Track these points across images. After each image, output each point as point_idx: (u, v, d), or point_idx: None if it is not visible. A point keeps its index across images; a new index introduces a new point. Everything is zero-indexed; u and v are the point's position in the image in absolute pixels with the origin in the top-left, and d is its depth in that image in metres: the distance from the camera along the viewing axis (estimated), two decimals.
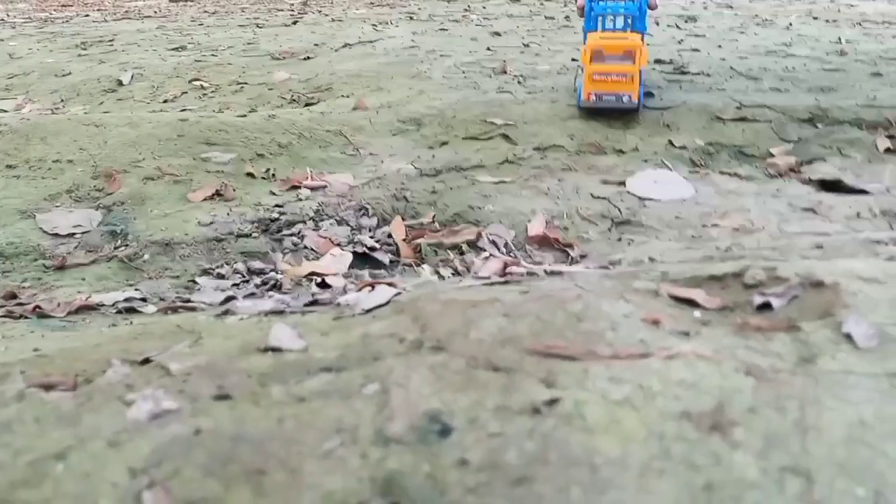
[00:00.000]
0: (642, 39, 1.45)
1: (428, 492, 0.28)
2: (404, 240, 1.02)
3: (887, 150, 1.32)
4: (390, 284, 0.64)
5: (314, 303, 0.62)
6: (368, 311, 0.52)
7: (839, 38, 2.54)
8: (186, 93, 1.90)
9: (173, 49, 2.45)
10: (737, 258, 0.57)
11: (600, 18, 1.44)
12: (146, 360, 0.44)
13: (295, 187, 1.21)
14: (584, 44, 1.44)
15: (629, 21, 1.42)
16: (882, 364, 0.38)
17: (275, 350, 0.43)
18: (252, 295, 0.72)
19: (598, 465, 0.29)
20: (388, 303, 0.52)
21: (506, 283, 0.57)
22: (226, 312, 0.60)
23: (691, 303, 0.49)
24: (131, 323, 0.62)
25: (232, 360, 0.42)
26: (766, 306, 0.47)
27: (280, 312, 0.57)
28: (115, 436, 0.33)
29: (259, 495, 0.28)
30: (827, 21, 3.12)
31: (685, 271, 0.55)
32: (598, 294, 0.47)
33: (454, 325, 0.42)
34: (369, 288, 0.61)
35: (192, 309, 0.68)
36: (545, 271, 0.78)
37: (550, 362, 0.36)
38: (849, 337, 0.41)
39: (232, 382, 0.38)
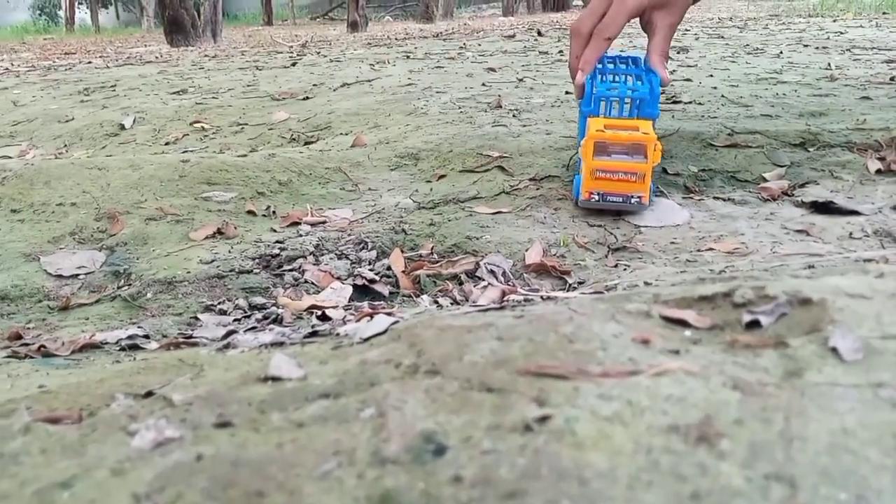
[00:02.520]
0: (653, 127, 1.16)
1: None
2: (403, 271, 1.03)
3: (878, 172, 1.34)
4: (388, 314, 0.65)
5: (314, 334, 0.63)
6: (366, 339, 0.53)
7: (829, 64, 2.58)
8: (188, 135, 1.93)
9: (174, 93, 2.49)
10: (728, 279, 0.58)
11: (603, 102, 1.13)
12: (149, 393, 0.45)
13: (295, 223, 1.22)
14: (583, 131, 1.18)
15: (638, 105, 1.12)
16: (866, 375, 0.38)
17: (274, 379, 0.44)
18: (253, 329, 0.73)
19: (588, 479, 0.29)
20: (385, 331, 0.53)
21: (501, 308, 0.58)
22: (227, 346, 0.61)
23: (682, 322, 0.50)
24: (134, 359, 0.63)
25: (232, 390, 0.43)
26: (754, 324, 0.48)
27: (280, 344, 0.58)
28: (119, 464, 0.34)
29: None
30: (817, 48, 3.17)
31: (676, 293, 0.56)
32: (590, 316, 0.48)
33: (449, 350, 0.43)
34: (368, 318, 0.62)
35: (194, 344, 0.69)
36: (541, 297, 0.79)
37: (542, 381, 0.37)
38: (835, 351, 0.42)
39: (232, 410, 0.39)
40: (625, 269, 0.99)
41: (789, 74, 2.38)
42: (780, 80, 2.24)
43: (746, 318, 0.49)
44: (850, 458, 0.30)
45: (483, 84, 2.27)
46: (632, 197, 1.11)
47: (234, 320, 0.82)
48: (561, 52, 3.41)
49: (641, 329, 0.47)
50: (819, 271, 0.69)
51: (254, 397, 0.41)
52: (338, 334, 0.59)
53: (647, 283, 0.86)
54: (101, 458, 0.35)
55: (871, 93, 1.93)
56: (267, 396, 0.41)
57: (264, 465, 0.32)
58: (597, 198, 1.11)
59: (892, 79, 2.17)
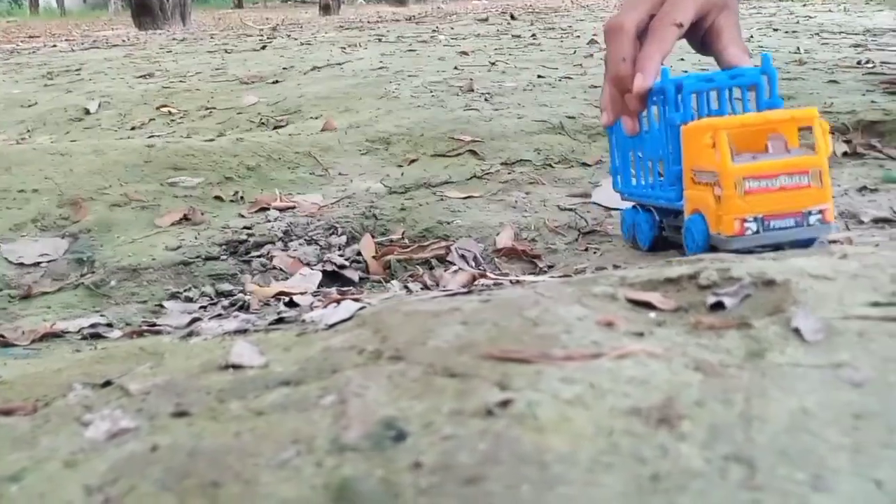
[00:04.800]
0: None
1: (381, 495, 0.28)
2: (374, 257, 1.03)
3: (844, 154, 1.35)
4: (356, 300, 0.64)
5: (280, 321, 0.63)
6: (332, 325, 0.52)
7: (797, 48, 2.61)
8: (154, 119, 1.90)
9: (141, 76, 2.45)
10: (694, 261, 0.58)
11: (695, 98, 0.78)
12: (107, 383, 0.44)
13: (263, 209, 1.21)
14: (624, 157, 0.89)
15: (750, 97, 0.77)
16: (827, 356, 0.39)
17: (235, 367, 0.44)
18: (218, 316, 0.72)
19: (548, 462, 0.29)
20: (351, 317, 0.53)
21: (469, 293, 0.58)
22: (190, 334, 0.60)
23: (647, 305, 0.50)
24: (95, 348, 0.62)
25: (192, 379, 0.42)
26: (718, 305, 0.49)
27: (244, 331, 0.57)
28: (72, 456, 0.33)
29: None
30: (786, 32, 3.20)
31: (643, 275, 0.56)
32: (556, 300, 0.48)
33: (413, 335, 0.42)
34: (335, 304, 0.62)
35: (158, 332, 0.68)
36: (510, 281, 0.79)
37: (505, 366, 0.37)
38: (797, 331, 0.42)
39: (190, 399, 0.38)
40: (594, 253, 0.99)
41: (759, 58, 2.40)
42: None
43: (711, 299, 0.49)
44: (808, 438, 0.31)
45: (455, 68, 2.26)
46: (809, 214, 0.67)
47: (200, 308, 0.81)
48: (534, 35, 3.40)
49: (606, 312, 0.47)
50: (785, 253, 0.70)
51: (213, 386, 0.40)
52: (304, 321, 0.58)
53: (616, 266, 0.87)
54: (53, 450, 0.34)
55: (839, 76, 1.95)
56: (227, 385, 0.40)
57: (221, 454, 0.32)
58: (754, 228, 0.66)
59: (858, 63, 2.19)
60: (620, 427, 0.32)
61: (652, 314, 0.48)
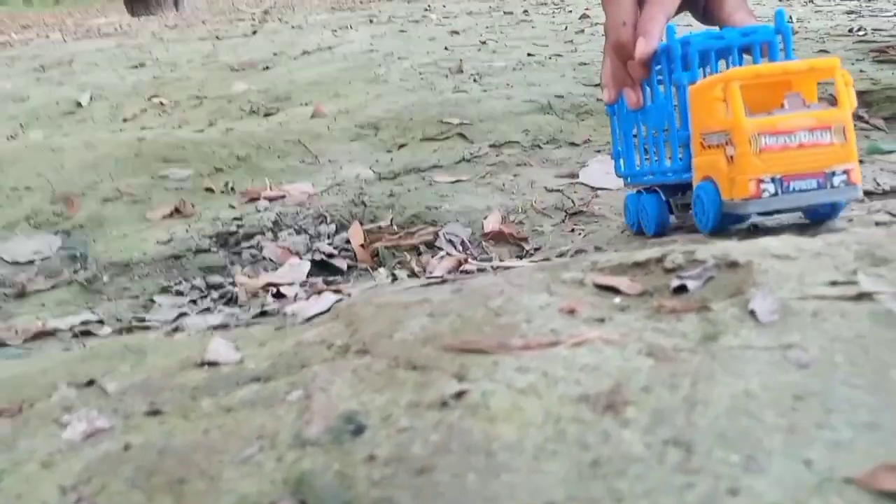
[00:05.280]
0: None
1: (335, 488, 0.29)
2: (362, 245, 1.04)
3: None
4: (336, 291, 0.66)
5: (263, 314, 0.64)
6: (309, 319, 0.54)
7: (790, 17, 2.59)
8: (146, 110, 1.90)
9: (132, 67, 2.45)
10: (665, 244, 0.60)
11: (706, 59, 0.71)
12: (90, 383, 0.46)
13: (254, 199, 1.22)
14: (627, 134, 0.83)
15: (774, 55, 0.70)
16: (779, 337, 0.40)
17: (211, 364, 0.45)
18: (206, 310, 0.74)
19: (496, 451, 0.31)
20: (328, 310, 0.54)
21: (443, 282, 0.59)
22: (175, 329, 0.62)
23: (614, 290, 0.51)
24: (84, 346, 0.63)
25: (168, 377, 0.44)
26: (682, 288, 0.50)
27: (226, 326, 0.58)
28: (49, 457, 0.35)
29: (179, 502, 0.30)
30: (780, 0, 3.17)
31: (614, 259, 0.57)
32: (523, 287, 0.49)
33: (381, 328, 0.44)
34: (317, 296, 0.63)
35: (146, 328, 0.70)
36: (492, 267, 0.80)
37: (464, 357, 0.38)
38: (753, 313, 0.43)
39: (164, 398, 0.40)
40: (579, 234, 1.00)
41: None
42: None
43: (674, 283, 0.50)
44: (747, 421, 0.32)
45: (445, 48, 2.25)
46: (833, 175, 0.61)
47: (190, 301, 0.83)
48: (525, 11, 3.38)
49: (572, 298, 0.48)
50: (758, 232, 0.71)
51: (188, 383, 0.42)
52: (284, 314, 0.60)
53: (598, 248, 0.88)
54: (31, 452, 0.36)
55: (829, 46, 1.94)
56: (201, 382, 0.42)
57: (189, 452, 0.33)
58: (772, 189, 0.60)
59: (850, 31, 2.18)
60: (568, 414, 0.33)
61: (617, 299, 0.49)
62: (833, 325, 0.41)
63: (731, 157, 0.62)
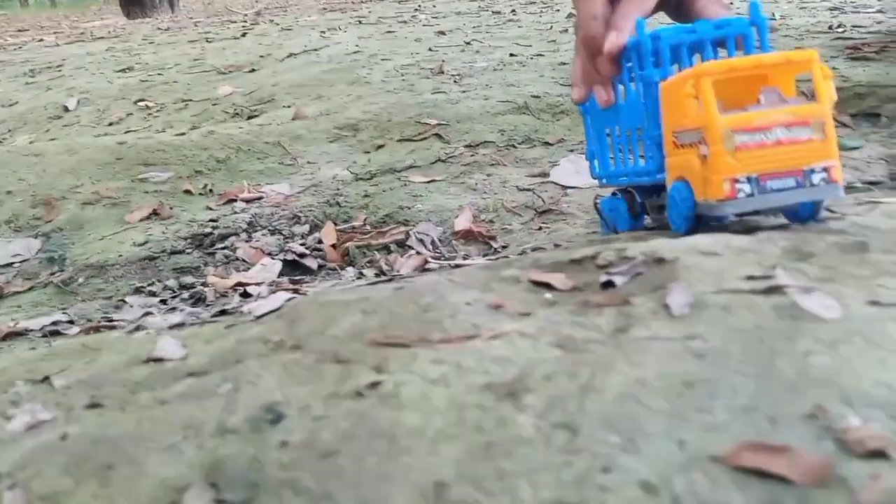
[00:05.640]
0: None
1: (245, 471, 0.32)
2: (333, 245, 1.06)
3: None
4: (294, 290, 0.68)
5: (222, 313, 0.66)
6: (259, 317, 0.56)
7: (772, 14, 2.61)
8: (132, 114, 1.93)
9: (120, 70, 2.47)
10: (605, 241, 0.62)
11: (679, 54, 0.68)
12: (45, 379, 0.48)
13: (231, 201, 1.24)
14: (598, 134, 0.81)
15: (736, 50, 0.68)
16: (685, 329, 0.42)
17: (157, 360, 0.47)
18: (172, 310, 0.76)
19: (398, 436, 0.33)
20: (279, 308, 0.56)
21: (390, 280, 0.62)
22: (137, 329, 0.64)
23: (547, 286, 0.53)
24: (50, 345, 0.65)
25: (115, 372, 0.46)
26: (609, 284, 0.52)
27: (182, 325, 0.61)
28: None
29: (104, 486, 0.33)
30: None
31: (556, 256, 0.59)
32: (460, 285, 0.52)
33: (316, 325, 0.46)
34: (274, 295, 0.65)
35: (112, 327, 0.72)
36: (453, 265, 0.82)
37: (386, 350, 0.41)
38: (667, 307, 0.46)
39: (106, 392, 0.42)
40: (544, 232, 1.03)
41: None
42: None
43: (603, 278, 0.53)
44: (634, 406, 0.34)
45: (430, 49, 2.28)
46: (812, 173, 0.58)
47: (160, 301, 0.85)
48: (514, 10, 3.40)
49: (506, 295, 0.51)
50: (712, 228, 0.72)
51: (131, 378, 0.44)
52: (241, 313, 0.62)
53: (556, 245, 0.90)
54: None
55: (807, 42, 1.96)
56: (144, 377, 0.44)
57: (120, 441, 0.36)
58: (748, 189, 0.58)
59: (830, 27, 2.20)
60: (472, 402, 0.35)
61: (548, 295, 0.52)
62: (738, 317, 0.43)
63: (705, 156, 0.59)
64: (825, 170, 0.59)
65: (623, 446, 0.32)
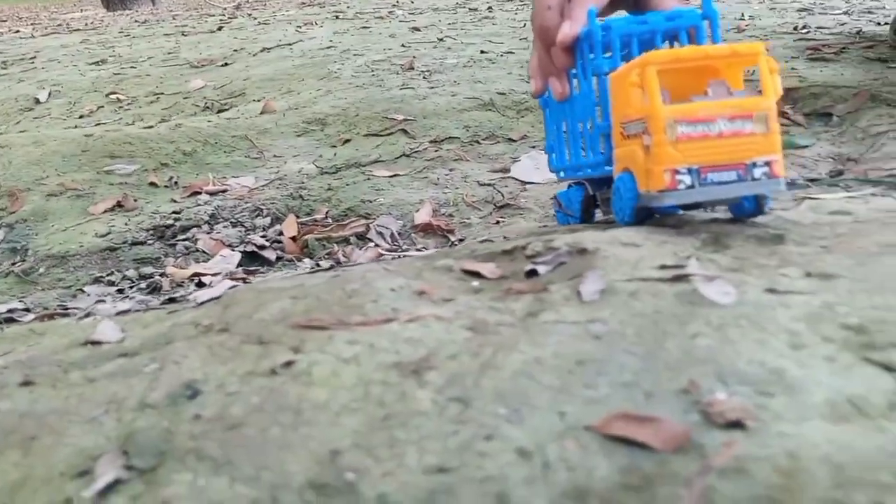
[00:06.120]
0: None
1: (156, 440, 0.34)
2: (293, 237, 1.08)
3: None
4: (243, 280, 0.70)
5: (171, 300, 0.68)
6: (201, 303, 0.58)
7: (742, 15, 2.65)
8: (103, 107, 1.93)
9: (93, 63, 2.47)
10: (539, 234, 0.65)
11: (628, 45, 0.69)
12: None
13: (196, 193, 1.26)
14: (555, 129, 0.80)
15: (688, 42, 0.68)
16: (589, 313, 0.45)
17: (94, 343, 0.49)
18: (126, 298, 0.78)
19: (303, 410, 0.35)
20: (220, 296, 0.58)
21: (329, 269, 0.64)
22: (87, 315, 0.66)
23: (477, 275, 0.56)
24: (1, 331, 0.67)
25: (53, 354, 0.48)
26: (533, 272, 0.55)
27: (127, 311, 0.63)
28: None
29: (26, 455, 0.35)
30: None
31: (491, 247, 0.62)
32: (391, 273, 0.54)
33: (246, 310, 0.49)
34: (219, 284, 0.67)
35: (66, 315, 0.74)
36: (397, 255, 0.85)
37: (306, 333, 0.43)
38: (579, 294, 0.48)
39: (40, 372, 0.44)
40: (498, 225, 1.06)
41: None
42: None
43: (527, 267, 0.55)
44: (526, 382, 0.37)
45: (402, 45, 2.29)
46: (754, 166, 0.58)
47: (117, 290, 0.87)
48: (490, 7, 3.43)
49: (435, 282, 0.53)
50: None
51: (66, 359, 0.46)
52: (187, 300, 0.64)
53: (505, 238, 0.93)
54: None
55: (771, 43, 2.00)
56: (78, 358, 0.46)
57: (46, 415, 0.38)
58: (688, 181, 0.58)
59: (795, 28, 2.24)
60: (378, 379, 0.38)
61: (475, 283, 0.54)
62: (642, 302, 0.46)
63: (648, 146, 0.59)
64: (767, 164, 0.59)
65: (508, 417, 0.34)
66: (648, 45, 0.68)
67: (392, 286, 0.50)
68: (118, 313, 0.63)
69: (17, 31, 4.67)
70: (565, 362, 0.39)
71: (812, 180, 1.03)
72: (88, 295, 0.86)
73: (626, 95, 0.62)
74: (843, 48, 1.83)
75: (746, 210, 0.64)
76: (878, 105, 1.37)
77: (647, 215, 0.63)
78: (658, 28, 0.68)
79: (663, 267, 0.52)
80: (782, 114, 1.44)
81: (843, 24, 2.28)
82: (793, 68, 1.66)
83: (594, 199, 0.77)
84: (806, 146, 1.25)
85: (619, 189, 0.64)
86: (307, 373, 0.39)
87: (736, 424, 0.32)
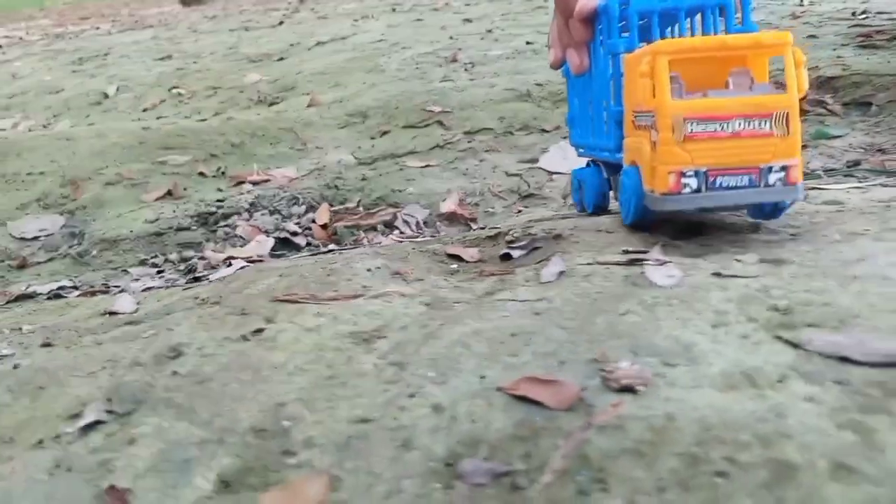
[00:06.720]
0: None
1: (135, 391, 0.40)
2: (323, 225, 1.15)
3: None
4: (256, 261, 0.77)
5: (195, 280, 0.75)
6: (213, 281, 0.64)
7: (801, 1, 2.59)
8: (165, 100, 2.05)
9: (159, 59, 2.60)
10: (538, 221, 0.69)
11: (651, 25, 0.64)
12: (20, 328, 0.58)
13: (240, 183, 1.34)
14: (577, 110, 0.76)
15: (717, 23, 0.63)
16: (540, 293, 0.49)
17: (112, 313, 0.56)
18: (161, 278, 0.86)
19: (261, 369, 0.41)
20: (231, 274, 0.65)
21: (329, 252, 0.69)
22: (121, 291, 0.74)
23: (458, 258, 0.60)
24: (41, 304, 0.75)
25: (74, 322, 0.55)
26: (507, 256, 0.59)
27: (151, 288, 0.70)
28: None
29: (34, 400, 0.41)
30: None
31: (478, 234, 0.66)
32: (377, 256, 0.59)
33: (239, 286, 0.54)
34: (237, 264, 0.74)
35: (106, 292, 0.82)
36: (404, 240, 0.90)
37: (280, 306, 0.49)
38: (538, 275, 0.53)
39: (60, 336, 0.51)
40: (517, 214, 1.09)
41: (759, 13, 2.40)
42: None
43: (502, 251, 0.60)
44: (460, 350, 0.41)
45: (451, 37, 2.34)
46: (769, 171, 0.54)
47: (158, 271, 0.95)
48: None
49: (416, 264, 0.58)
50: None
51: (84, 326, 0.53)
52: (207, 279, 0.71)
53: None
54: None
55: (824, 30, 1.96)
56: (94, 325, 0.53)
57: (56, 370, 0.45)
58: (694, 185, 0.53)
59: (853, 14, 2.18)
60: (333, 345, 0.43)
61: (454, 265, 0.59)
62: (591, 284, 0.50)
63: (654, 143, 0.54)
64: (784, 169, 0.54)
65: (435, 379, 0.39)
66: (670, 23, 0.64)
67: (369, 267, 0.55)
68: (144, 289, 0.71)
69: (98, 28, 4.92)
70: (500, 334, 0.43)
71: (829, 170, 1.03)
72: (131, 275, 0.94)
73: (636, 84, 0.57)
74: None
75: (764, 212, 0.59)
76: None
77: (652, 217, 0.57)
78: (682, 5, 0.62)
79: (625, 252, 0.55)
80: (820, 102, 1.42)
81: None
82: (839, 56, 1.63)
83: (609, 183, 0.70)
84: (838, 136, 1.23)
85: (625, 184, 0.59)
86: (273, 339, 0.44)
87: (628, 389, 0.36)
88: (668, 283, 0.48)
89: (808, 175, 1.00)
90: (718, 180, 0.53)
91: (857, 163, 1.04)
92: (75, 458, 0.35)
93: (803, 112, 1.39)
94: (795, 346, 0.39)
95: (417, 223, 1.16)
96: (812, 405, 0.34)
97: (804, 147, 1.21)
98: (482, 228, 0.86)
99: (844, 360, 0.37)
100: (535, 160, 1.33)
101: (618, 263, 0.53)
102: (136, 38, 3.44)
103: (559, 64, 0.74)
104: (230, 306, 0.50)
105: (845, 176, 0.98)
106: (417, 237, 1.07)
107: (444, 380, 0.39)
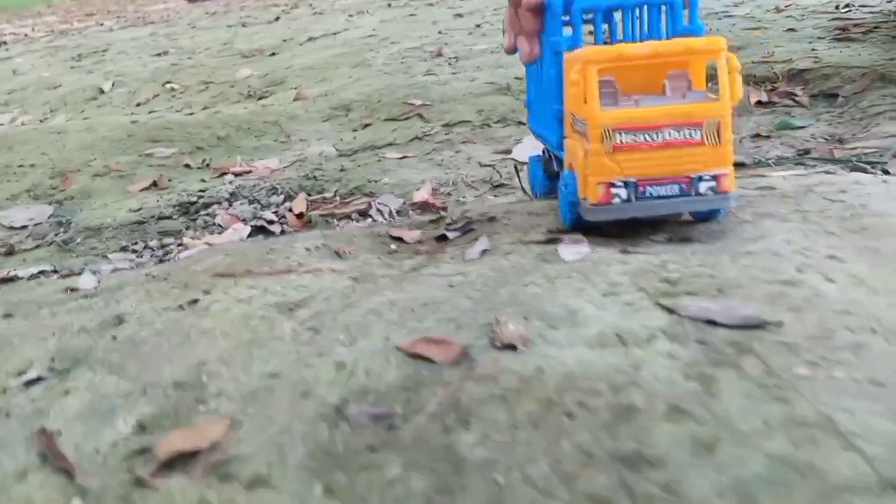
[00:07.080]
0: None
1: (78, 353, 0.45)
2: (299, 214, 1.19)
3: (758, 103, 1.43)
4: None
5: (160, 261, 0.80)
6: (176, 262, 0.69)
7: None
8: (158, 95, 2.10)
9: (155, 55, 2.65)
10: (481, 204, 0.72)
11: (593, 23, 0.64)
12: None
13: (223, 174, 1.38)
14: (536, 94, 0.73)
15: (661, 21, 0.62)
16: (460, 269, 0.53)
17: (73, 290, 0.61)
18: (138, 262, 0.90)
19: (189, 333, 0.45)
20: (192, 256, 0.69)
21: (281, 234, 0.73)
22: (93, 272, 0.78)
23: (400, 239, 0.65)
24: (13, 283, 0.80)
25: (39, 298, 0.60)
26: (443, 237, 0.63)
27: (117, 270, 0.74)
28: None
29: None
30: None
31: (425, 217, 0.71)
32: (321, 236, 0.64)
33: (188, 264, 0.59)
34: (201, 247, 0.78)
35: (80, 274, 0.86)
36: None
37: (219, 280, 0.53)
38: (463, 253, 0.57)
39: (22, 309, 0.56)
40: (483, 203, 1.13)
41: (744, 7, 2.43)
42: (728, 14, 2.29)
43: (438, 233, 0.64)
44: (373, 318, 0.45)
45: (440, 32, 2.37)
46: (699, 180, 0.54)
47: (137, 257, 0.99)
48: None
49: (359, 245, 0.62)
50: None
51: (46, 300, 0.57)
52: (173, 261, 0.75)
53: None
54: None
55: (804, 23, 1.99)
56: (55, 300, 0.57)
57: (13, 337, 0.49)
58: (624, 195, 0.54)
59: (836, 7, 2.21)
60: (258, 314, 0.47)
61: (394, 246, 0.63)
62: (508, 261, 0.54)
63: (586, 152, 0.54)
64: (714, 178, 0.54)
65: (344, 342, 0.43)
66: (614, 20, 0.64)
67: (308, 246, 0.59)
68: (112, 271, 0.75)
69: (102, 24, 4.98)
70: (413, 304, 0.47)
71: (782, 159, 1.06)
72: (109, 260, 0.98)
73: (569, 90, 0.57)
74: (875, 27, 1.81)
75: (700, 215, 0.59)
76: (886, 85, 1.37)
77: (587, 224, 0.57)
78: (628, 4, 0.62)
79: (549, 232, 0.59)
80: (789, 94, 1.45)
81: (889, 2, 2.22)
82: (813, 49, 1.66)
83: (558, 174, 0.68)
84: (802, 127, 1.27)
85: (562, 190, 0.59)
86: (206, 308, 0.48)
87: (510, 347, 0.40)
88: (574, 259, 0.52)
89: (759, 163, 1.03)
90: (648, 190, 0.53)
91: (807, 151, 1.07)
92: (15, 406, 0.39)
93: (772, 103, 1.42)
94: (671, 311, 0.43)
95: (391, 212, 1.20)
96: (669, 360, 0.38)
97: (767, 138, 1.24)
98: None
99: (711, 322, 0.41)
100: (508, 151, 1.36)
101: (537, 242, 0.57)
102: (135, 34, 3.49)
103: (512, 49, 0.74)
104: (175, 281, 0.55)
105: (795, 164, 1.01)
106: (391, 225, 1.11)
107: (353, 342, 0.43)
